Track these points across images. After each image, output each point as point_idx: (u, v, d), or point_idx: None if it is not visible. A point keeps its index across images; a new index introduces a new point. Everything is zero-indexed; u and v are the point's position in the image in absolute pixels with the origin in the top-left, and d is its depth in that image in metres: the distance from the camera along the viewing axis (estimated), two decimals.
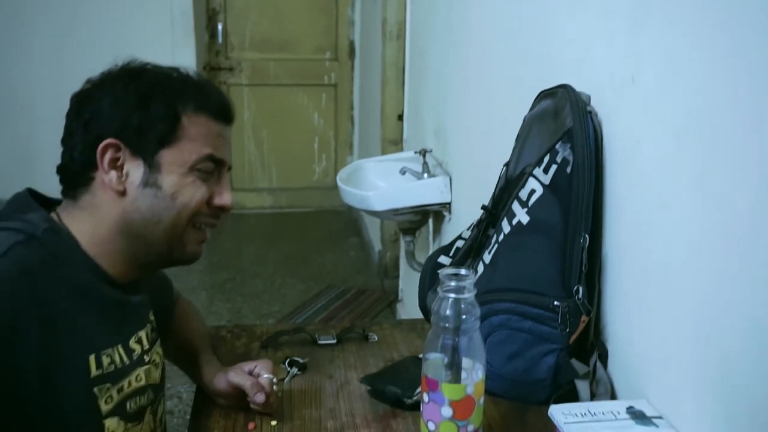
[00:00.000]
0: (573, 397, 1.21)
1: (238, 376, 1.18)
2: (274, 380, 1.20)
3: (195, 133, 1.06)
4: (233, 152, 5.19)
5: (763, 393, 0.87)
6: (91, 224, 1.03)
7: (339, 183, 2.57)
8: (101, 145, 1.02)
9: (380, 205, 2.43)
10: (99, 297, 1.02)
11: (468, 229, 1.46)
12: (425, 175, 2.49)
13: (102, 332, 1.02)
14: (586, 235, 1.22)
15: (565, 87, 1.29)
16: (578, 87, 1.29)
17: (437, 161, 2.56)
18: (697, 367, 1.01)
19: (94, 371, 1.00)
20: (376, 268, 4.34)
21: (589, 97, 1.28)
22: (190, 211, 1.05)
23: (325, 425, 1.18)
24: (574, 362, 1.22)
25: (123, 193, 1.03)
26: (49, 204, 1.08)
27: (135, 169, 1.03)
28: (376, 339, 1.49)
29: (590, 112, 1.25)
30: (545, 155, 1.26)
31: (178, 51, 4.82)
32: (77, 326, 0.98)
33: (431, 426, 1.05)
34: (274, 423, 1.17)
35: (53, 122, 5.09)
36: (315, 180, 5.34)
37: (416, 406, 1.16)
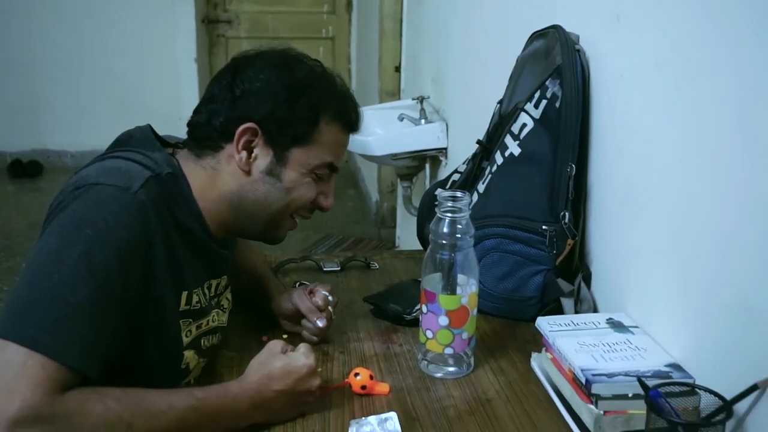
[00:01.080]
0: (559, 313, 1.32)
1: (299, 298, 1.27)
2: (332, 299, 1.28)
3: (326, 140, 1.12)
4: None
5: (725, 302, 0.97)
6: (206, 183, 1.10)
7: None
8: (242, 127, 1.08)
9: (379, 150, 2.52)
10: (199, 243, 1.11)
11: (463, 163, 1.56)
12: (422, 121, 2.58)
13: (194, 273, 1.11)
14: (573, 165, 1.31)
15: (555, 27, 1.38)
16: (568, 27, 1.38)
17: (434, 108, 2.65)
18: (670, 281, 1.12)
19: (183, 305, 1.10)
20: (374, 217, 4.45)
21: (578, 37, 1.37)
22: (297, 206, 1.14)
23: (332, 338, 1.29)
24: (560, 282, 1.32)
25: (247, 173, 1.10)
26: (165, 143, 1.15)
27: (263, 157, 1.10)
28: (377, 267, 1.60)
29: (578, 51, 1.34)
30: (536, 91, 1.36)
31: (177, 3, 4.86)
32: (180, 262, 1.07)
33: (429, 334, 1.16)
34: (285, 336, 1.28)
35: (57, 77, 5.13)
36: None
37: (415, 322, 1.28)
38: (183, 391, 0.97)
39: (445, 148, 2.52)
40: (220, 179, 1.10)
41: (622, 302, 1.26)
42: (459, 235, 1.13)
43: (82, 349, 0.89)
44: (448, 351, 1.16)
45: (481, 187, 1.42)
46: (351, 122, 1.18)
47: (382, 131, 2.67)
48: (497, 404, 1.10)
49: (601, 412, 1.00)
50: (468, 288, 1.15)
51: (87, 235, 0.93)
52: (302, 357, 1.04)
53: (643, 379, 0.97)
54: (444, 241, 1.13)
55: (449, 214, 1.13)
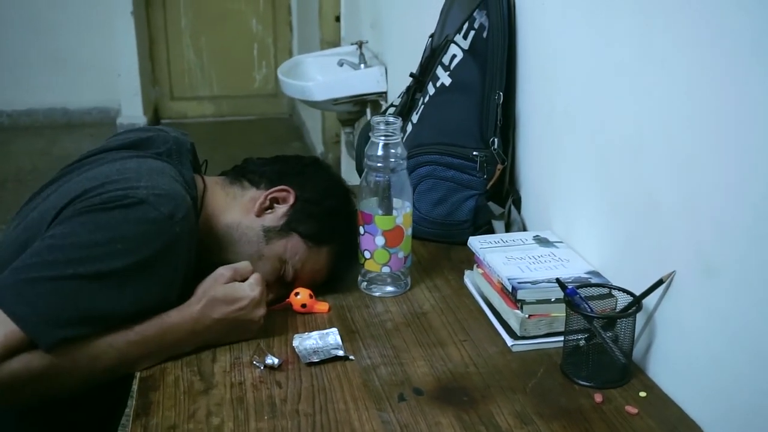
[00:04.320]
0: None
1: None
2: None
3: (316, 259, 1.18)
4: (173, 59, 5.14)
5: (635, 207, 1.05)
6: (219, 206, 1.17)
7: (280, 76, 2.66)
8: (286, 187, 1.18)
9: (320, 95, 2.55)
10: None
11: (398, 97, 1.61)
12: (362, 66, 2.61)
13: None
14: (501, 93, 1.37)
15: None
16: None
17: (373, 53, 2.68)
18: (589, 197, 1.20)
19: None
20: None
21: None
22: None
23: None
24: (491, 205, 1.39)
25: (255, 214, 1.16)
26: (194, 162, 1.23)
27: (276, 218, 1.17)
28: None
29: None
30: (464, 23, 1.41)
31: None
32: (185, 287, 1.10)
33: (367, 254, 1.22)
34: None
35: (46, 34, 4.91)
36: (256, 87, 5.37)
37: None
38: (122, 327, 0.99)
39: (385, 92, 2.56)
40: (231, 207, 1.17)
41: (548, 221, 1.34)
42: (392, 159, 1.18)
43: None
44: (386, 269, 1.22)
45: (414, 118, 1.47)
46: (339, 267, 1.23)
47: (322, 77, 2.70)
48: (432, 316, 1.17)
49: (526, 315, 1.08)
50: (402, 209, 1.21)
51: (119, 251, 0.97)
52: (247, 288, 1.07)
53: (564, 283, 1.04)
54: (379, 164, 1.18)
55: (383, 138, 1.18)
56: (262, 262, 1.15)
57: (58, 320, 0.93)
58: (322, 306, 1.18)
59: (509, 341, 1.08)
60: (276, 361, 1.02)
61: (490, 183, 1.39)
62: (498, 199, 1.42)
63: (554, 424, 0.91)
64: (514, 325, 1.09)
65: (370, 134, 1.19)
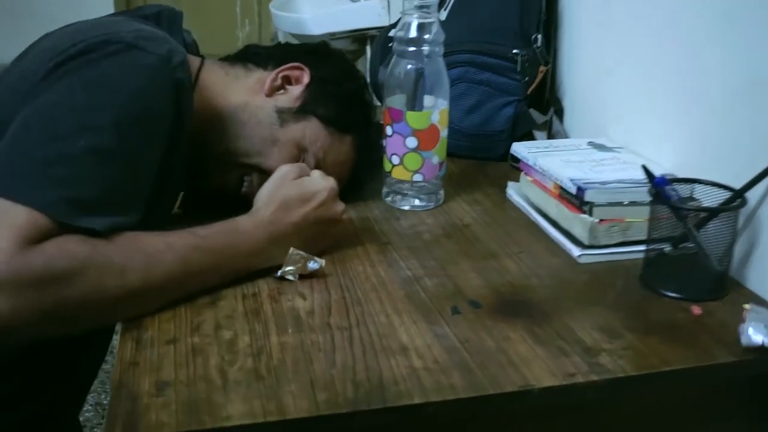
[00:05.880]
0: None
1: None
2: None
3: (336, 148, 1.00)
4: None
5: (732, 98, 0.87)
6: (217, 86, 0.96)
7: (272, 9, 2.45)
8: (298, 64, 1.00)
9: (317, 29, 2.33)
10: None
11: None
12: None
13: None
14: None
15: None
16: None
17: None
18: (651, 97, 1.02)
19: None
20: None
21: None
22: (262, 163, 0.95)
23: None
24: (533, 112, 1.21)
25: (264, 94, 0.98)
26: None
27: (289, 99, 0.98)
28: None
29: None
30: None
31: None
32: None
33: (395, 160, 1.03)
34: None
35: None
36: (239, 46, 5.12)
37: None
38: (182, 231, 0.78)
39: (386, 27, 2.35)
40: (233, 87, 0.98)
41: (599, 129, 1.15)
42: (427, 43, 0.99)
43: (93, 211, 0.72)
44: (417, 178, 1.03)
45: (443, 15, 1.27)
46: (361, 167, 1.05)
47: (319, 9, 2.48)
48: (476, 228, 0.99)
49: (597, 220, 0.90)
50: (437, 107, 1.02)
51: (119, 103, 0.77)
52: (320, 180, 0.88)
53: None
54: (411, 49, 0.99)
55: (417, 16, 0.99)
56: (278, 149, 0.95)
57: (87, 205, 0.71)
58: None
59: (575, 251, 0.90)
60: (318, 264, 0.83)
61: (532, 87, 1.20)
62: (537, 108, 1.23)
63: (650, 339, 0.73)
64: (581, 233, 0.91)
65: (401, 13, 1.00)
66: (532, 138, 1.22)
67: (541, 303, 0.80)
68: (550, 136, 1.23)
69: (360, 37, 2.42)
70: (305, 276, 0.83)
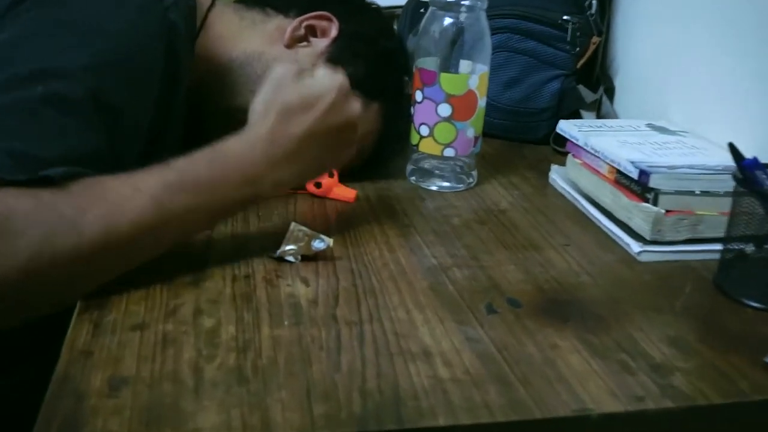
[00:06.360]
0: None
1: None
2: None
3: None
4: None
5: None
6: (229, 31, 0.83)
7: None
8: (327, 14, 0.86)
9: None
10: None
11: None
12: None
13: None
14: None
15: None
16: None
17: None
18: (720, 76, 0.87)
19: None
20: None
21: None
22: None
23: None
24: (582, 89, 1.06)
25: (284, 45, 0.84)
26: None
27: (310, 53, 0.84)
28: None
29: None
30: None
31: None
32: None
33: (424, 130, 0.89)
34: None
35: None
36: None
37: None
38: (155, 166, 0.62)
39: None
40: (247, 33, 0.85)
41: (658, 111, 1.00)
42: None
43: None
44: (449, 152, 0.89)
45: None
46: (387, 141, 0.90)
47: None
48: (513, 215, 0.84)
49: (662, 211, 0.75)
50: (476, 72, 0.88)
51: (91, 45, 0.64)
52: (326, 77, 0.70)
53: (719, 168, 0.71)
54: None
55: None
56: None
57: (40, 164, 0.56)
58: (345, 191, 0.85)
59: (635, 246, 0.75)
60: (325, 243, 0.69)
61: (582, 60, 1.05)
62: (586, 84, 1.08)
63: (734, 358, 0.58)
64: (641, 226, 0.76)
65: None
66: (577, 118, 1.07)
67: (595, 305, 0.65)
68: (599, 118, 1.09)
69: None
70: (309, 258, 0.69)
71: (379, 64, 0.86)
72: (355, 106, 0.72)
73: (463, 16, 0.85)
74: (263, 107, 0.68)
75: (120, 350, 0.54)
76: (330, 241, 0.69)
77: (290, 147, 0.67)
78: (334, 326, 0.59)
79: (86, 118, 0.61)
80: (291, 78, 0.70)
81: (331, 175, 0.84)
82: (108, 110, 0.63)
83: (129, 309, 0.59)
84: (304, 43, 0.84)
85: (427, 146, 0.89)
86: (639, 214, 0.76)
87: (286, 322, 0.59)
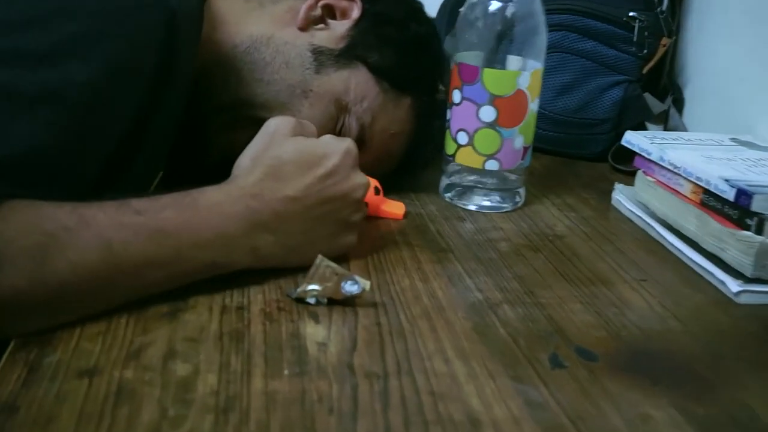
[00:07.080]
0: None
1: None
2: None
3: (391, 109, 0.72)
4: None
5: None
6: (234, 14, 0.70)
7: None
8: None
9: None
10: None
11: None
12: None
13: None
14: None
15: None
16: None
17: None
18: None
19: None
20: None
21: None
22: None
23: None
24: (648, 98, 0.91)
25: (298, 28, 0.70)
26: None
27: (331, 36, 0.71)
28: None
29: None
30: None
31: None
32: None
33: (462, 138, 0.74)
34: None
35: None
36: None
37: None
38: (108, 201, 0.49)
39: None
40: (254, 15, 0.71)
41: (741, 125, 0.85)
42: None
43: None
44: (491, 165, 0.74)
45: None
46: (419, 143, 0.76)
47: None
48: (573, 241, 0.69)
49: None
50: (529, 66, 0.73)
51: (64, 28, 0.51)
52: (331, 140, 0.59)
53: None
54: None
55: None
56: (309, 103, 0.67)
57: None
58: (394, 206, 0.71)
59: (732, 285, 0.60)
60: (359, 286, 0.53)
61: (649, 65, 0.91)
62: (653, 92, 0.94)
63: None
64: (740, 259, 0.61)
65: None
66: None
67: (693, 361, 0.50)
68: (666, 130, 0.94)
69: None
70: (337, 302, 0.54)
71: (409, 51, 0.72)
72: (362, 179, 0.59)
73: (514, 3, 0.71)
74: (251, 161, 0.56)
75: (56, 406, 0.40)
76: (367, 284, 0.53)
77: (277, 209, 0.54)
78: (350, 379, 0.44)
79: (45, 117, 0.48)
80: (289, 131, 0.57)
81: (377, 192, 0.70)
82: (74, 112, 0.50)
83: (80, 347, 0.45)
84: (321, 26, 0.70)
85: (465, 157, 0.74)
86: (736, 244, 0.61)
87: (286, 372, 0.44)
